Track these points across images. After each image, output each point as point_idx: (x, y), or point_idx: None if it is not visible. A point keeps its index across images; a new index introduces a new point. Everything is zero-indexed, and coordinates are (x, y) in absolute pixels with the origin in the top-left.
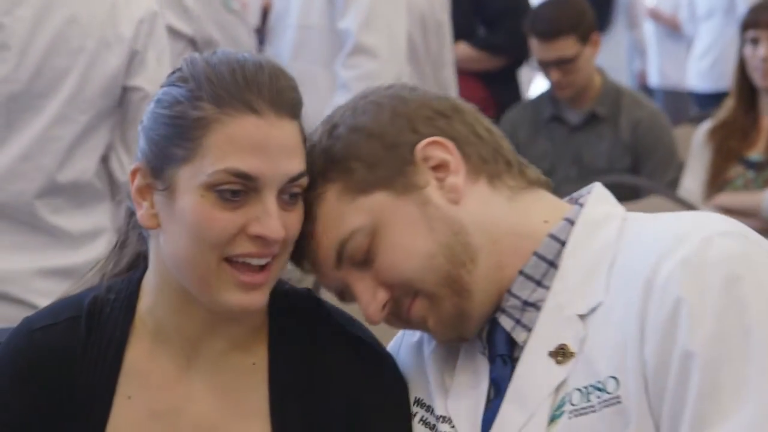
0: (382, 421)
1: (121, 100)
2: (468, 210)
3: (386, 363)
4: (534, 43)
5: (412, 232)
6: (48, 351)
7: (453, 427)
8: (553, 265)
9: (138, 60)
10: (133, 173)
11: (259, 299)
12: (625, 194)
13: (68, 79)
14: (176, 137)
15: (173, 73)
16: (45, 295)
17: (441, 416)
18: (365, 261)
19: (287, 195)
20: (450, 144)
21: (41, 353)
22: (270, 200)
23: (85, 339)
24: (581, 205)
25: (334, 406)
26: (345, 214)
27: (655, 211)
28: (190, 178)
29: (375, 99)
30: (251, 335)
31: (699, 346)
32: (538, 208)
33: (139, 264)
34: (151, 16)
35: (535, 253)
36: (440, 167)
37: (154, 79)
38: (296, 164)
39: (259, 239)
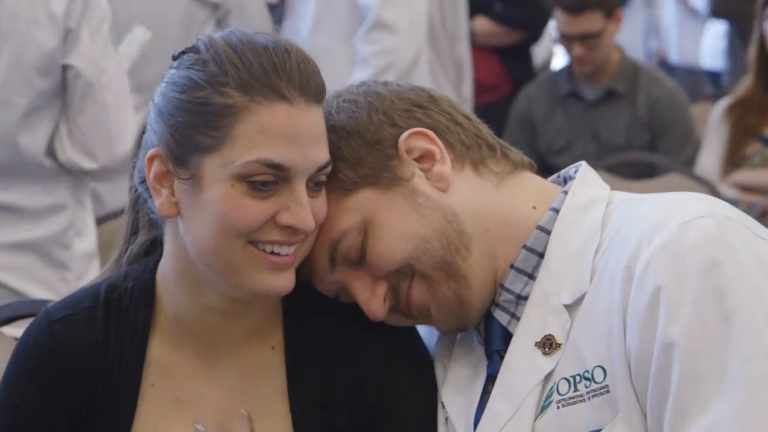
0: (406, 399)
1: (62, 80)
2: (457, 198)
3: (408, 335)
4: (559, 16)
5: (402, 220)
6: (68, 342)
7: (448, 417)
8: (542, 256)
9: (72, 37)
10: (150, 159)
11: (289, 281)
12: (642, 172)
13: None
14: (201, 125)
15: (184, 53)
16: (5, 268)
17: (441, 402)
18: (360, 259)
19: (312, 182)
20: (431, 133)
21: (62, 345)
22: (301, 190)
23: (105, 329)
24: (566, 192)
25: (352, 384)
26: (334, 216)
27: (672, 189)
28: (219, 167)
29: (349, 97)
30: (269, 320)
31: (678, 334)
32: (526, 193)
33: (155, 249)
34: None
35: (525, 246)
36: (424, 158)
37: (87, 56)
38: (324, 152)
39: (288, 229)
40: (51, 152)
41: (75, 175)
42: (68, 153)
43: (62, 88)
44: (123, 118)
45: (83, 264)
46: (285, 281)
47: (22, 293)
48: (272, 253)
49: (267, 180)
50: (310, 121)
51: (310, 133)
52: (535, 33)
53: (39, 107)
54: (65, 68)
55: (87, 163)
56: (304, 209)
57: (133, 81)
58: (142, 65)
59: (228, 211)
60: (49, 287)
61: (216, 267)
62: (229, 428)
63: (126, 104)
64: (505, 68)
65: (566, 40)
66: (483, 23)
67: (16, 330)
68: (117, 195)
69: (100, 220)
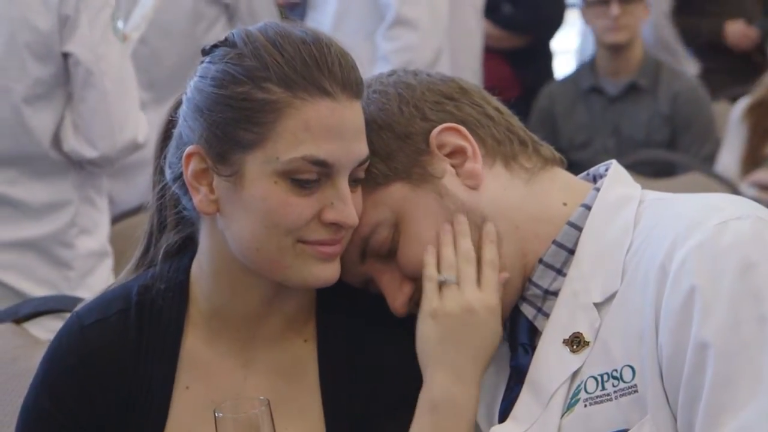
0: None
1: (64, 69)
2: (488, 196)
3: None
4: None
5: (432, 225)
6: (101, 348)
7: None
8: (572, 252)
9: (70, 25)
10: (188, 157)
11: (337, 270)
12: (663, 170)
13: None
14: (243, 121)
15: (217, 46)
16: (6, 267)
17: None
18: (389, 253)
19: (352, 178)
20: (463, 129)
21: (94, 350)
22: (344, 186)
23: (138, 332)
24: (597, 189)
25: (382, 377)
26: (365, 209)
27: (692, 187)
28: (262, 164)
29: (380, 88)
30: (303, 312)
31: (713, 335)
32: (556, 190)
33: (187, 248)
34: None
35: (554, 241)
36: (455, 153)
37: (85, 44)
38: (365, 146)
39: (332, 225)
40: (57, 144)
41: (82, 172)
42: (71, 142)
43: (65, 78)
44: (125, 106)
45: (88, 263)
46: (333, 270)
47: (22, 292)
48: (320, 243)
49: (310, 177)
50: (352, 116)
51: (353, 129)
52: (540, 38)
53: (39, 95)
54: (66, 56)
55: (88, 152)
56: (347, 205)
57: (143, 78)
58: (152, 63)
59: (272, 208)
60: (50, 286)
61: (260, 263)
62: (248, 414)
63: (129, 92)
64: (512, 71)
65: (603, 3)
66: (486, 26)
67: (34, 326)
68: (130, 194)
69: (113, 220)
